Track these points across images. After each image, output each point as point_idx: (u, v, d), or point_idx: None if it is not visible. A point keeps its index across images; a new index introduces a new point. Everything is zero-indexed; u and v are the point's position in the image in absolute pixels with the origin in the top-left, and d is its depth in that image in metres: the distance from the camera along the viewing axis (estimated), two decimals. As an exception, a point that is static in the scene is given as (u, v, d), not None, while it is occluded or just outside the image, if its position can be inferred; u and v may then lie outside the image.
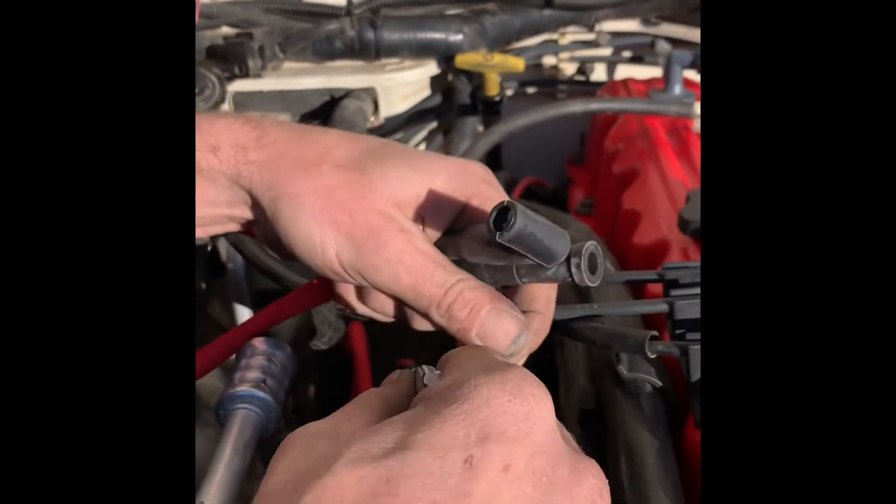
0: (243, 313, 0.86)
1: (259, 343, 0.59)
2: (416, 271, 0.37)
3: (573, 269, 0.34)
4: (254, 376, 0.56)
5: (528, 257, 0.34)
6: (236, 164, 0.39)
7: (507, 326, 0.37)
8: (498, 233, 0.32)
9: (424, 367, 0.32)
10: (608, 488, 0.28)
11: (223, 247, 0.97)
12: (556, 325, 0.52)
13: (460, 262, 0.40)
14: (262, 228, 0.41)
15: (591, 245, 0.34)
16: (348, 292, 0.43)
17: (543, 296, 0.41)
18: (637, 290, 0.62)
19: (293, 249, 0.39)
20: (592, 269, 0.34)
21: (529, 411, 0.26)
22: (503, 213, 0.32)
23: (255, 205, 0.40)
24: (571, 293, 0.68)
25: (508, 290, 0.41)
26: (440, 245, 0.40)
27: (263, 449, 0.64)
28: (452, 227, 0.40)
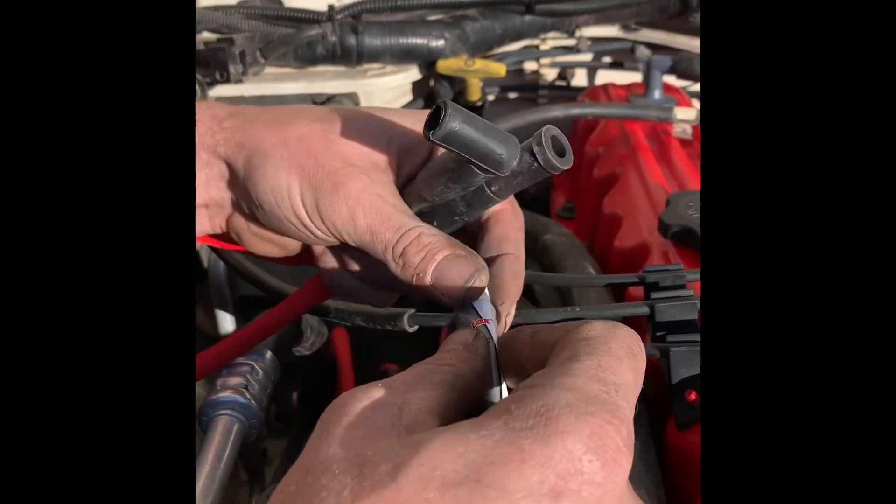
0: (226, 319, 0.86)
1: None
2: (373, 213, 0.36)
3: (537, 153, 0.30)
4: (236, 382, 0.56)
5: (474, 163, 0.31)
6: (213, 134, 0.39)
7: (464, 271, 0.35)
8: (430, 132, 0.30)
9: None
10: None
11: (204, 253, 0.96)
12: (539, 329, 0.53)
13: (425, 213, 0.39)
14: (238, 198, 0.40)
15: (549, 128, 0.31)
16: (325, 258, 0.42)
17: (512, 238, 0.40)
18: (618, 293, 0.62)
19: (262, 203, 0.38)
20: (560, 152, 0.31)
21: (608, 476, 0.24)
22: (436, 112, 0.30)
23: (232, 173, 0.39)
24: (554, 297, 0.68)
25: (480, 234, 0.40)
26: (406, 194, 0.39)
27: (245, 455, 0.64)
28: None
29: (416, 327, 0.57)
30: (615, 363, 0.28)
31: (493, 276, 0.37)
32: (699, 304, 0.49)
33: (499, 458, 0.23)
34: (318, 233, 0.38)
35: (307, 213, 0.38)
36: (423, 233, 0.36)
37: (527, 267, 0.58)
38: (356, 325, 0.63)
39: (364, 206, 0.36)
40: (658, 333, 0.49)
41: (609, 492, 0.24)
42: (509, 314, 0.38)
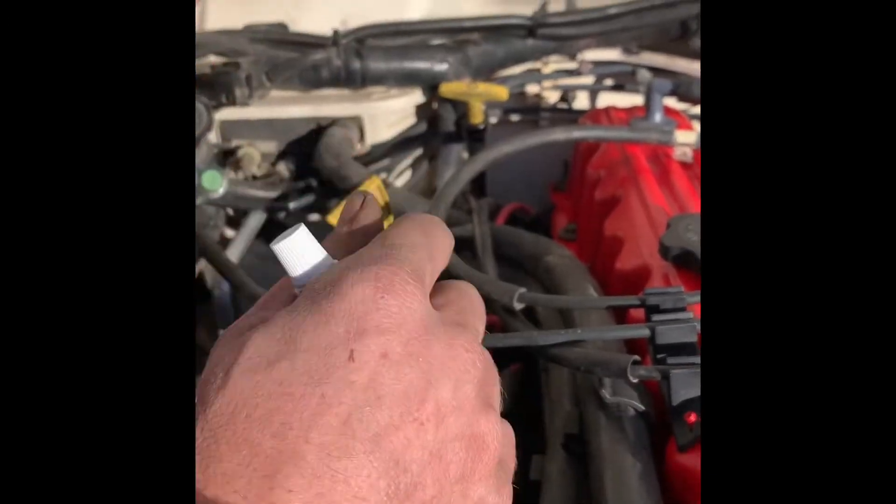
0: (229, 340, 0.86)
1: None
2: None
3: None
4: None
5: None
6: None
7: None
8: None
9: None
10: (485, 357, 0.32)
11: (209, 273, 0.97)
12: (541, 351, 0.53)
13: None
14: None
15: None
16: None
17: None
18: (620, 315, 0.63)
19: None
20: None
21: (401, 304, 0.29)
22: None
23: None
24: (555, 318, 0.68)
25: None
26: None
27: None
28: None
29: None
30: (399, 230, 0.33)
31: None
32: (699, 327, 0.50)
33: (307, 326, 0.28)
34: None
35: None
36: None
37: (528, 288, 0.59)
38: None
39: None
40: (659, 355, 0.50)
41: (407, 317, 0.29)
42: None
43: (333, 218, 0.75)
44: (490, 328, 0.86)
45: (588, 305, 0.62)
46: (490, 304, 0.64)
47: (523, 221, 1.08)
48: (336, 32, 0.99)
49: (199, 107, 0.90)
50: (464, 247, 0.84)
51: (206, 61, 1.00)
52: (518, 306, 0.59)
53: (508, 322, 0.61)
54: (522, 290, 0.59)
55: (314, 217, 1.15)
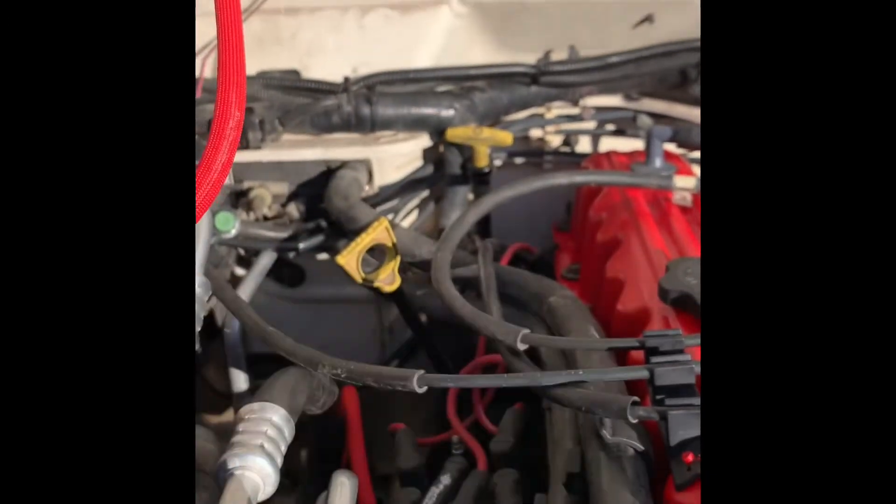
0: (239, 377, 0.88)
1: (257, 407, 0.61)
2: None
3: None
4: (252, 440, 0.58)
5: None
6: None
7: None
8: None
9: None
10: None
11: (219, 311, 0.99)
12: (545, 391, 0.55)
13: None
14: None
15: None
16: None
17: None
18: (620, 357, 0.65)
19: None
20: None
21: None
22: None
23: None
24: (558, 359, 0.70)
25: None
26: None
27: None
28: None
29: (426, 388, 0.59)
30: None
31: None
32: (697, 369, 0.51)
33: None
34: None
35: None
36: None
37: (532, 329, 0.61)
38: (367, 385, 0.65)
39: None
40: (658, 396, 0.52)
41: None
42: None
43: (342, 258, 0.77)
44: (494, 368, 0.87)
45: (590, 347, 0.64)
46: (495, 344, 0.66)
47: (527, 261, 1.10)
48: (347, 79, 1.03)
49: (214, 150, 0.93)
50: (469, 286, 0.86)
51: (221, 106, 1.03)
52: (522, 347, 0.61)
53: (512, 362, 0.63)
54: (526, 331, 0.61)
55: (322, 256, 1.18)
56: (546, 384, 0.54)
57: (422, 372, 0.59)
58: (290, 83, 1.05)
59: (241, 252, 1.09)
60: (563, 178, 0.87)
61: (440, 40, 1.11)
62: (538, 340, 0.62)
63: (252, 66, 1.11)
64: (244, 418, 0.60)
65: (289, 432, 0.61)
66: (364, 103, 1.03)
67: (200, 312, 0.69)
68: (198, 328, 0.69)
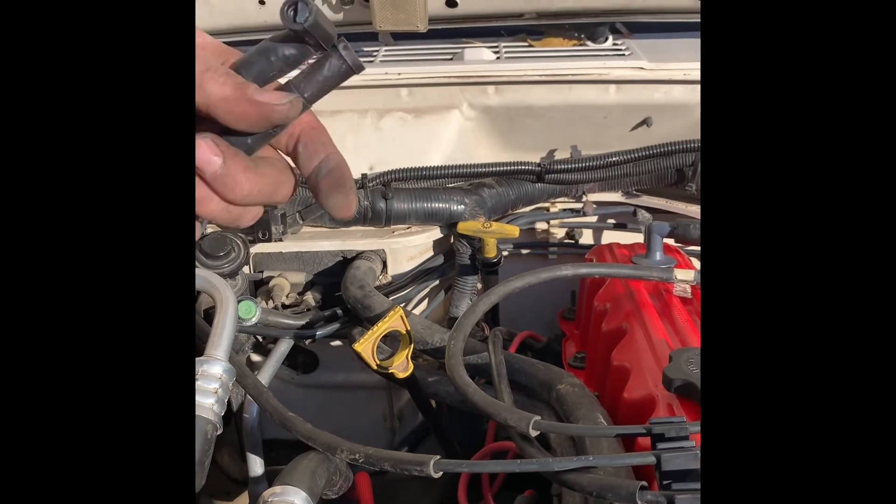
0: (256, 462, 0.90)
1: (279, 490, 0.63)
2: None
3: (346, 56, 0.40)
4: (276, 523, 0.60)
5: (318, 46, 0.39)
6: None
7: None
8: (296, 20, 0.37)
9: None
10: None
11: (235, 398, 1.02)
12: (556, 476, 0.58)
13: None
14: None
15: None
16: None
17: (328, 141, 0.45)
18: (628, 443, 0.67)
19: None
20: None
21: None
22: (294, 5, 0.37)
23: None
24: (568, 445, 0.73)
25: (299, 145, 0.45)
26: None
27: None
28: None
29: (441, 473, 0.62)
30: None
31: (333, 169, 0.43)
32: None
33: None
34: None
35: None
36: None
37: (541, 414, 0.64)
38: (383, 471, 0.68)
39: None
40: (665, 481, 0.54)
41: None
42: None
43: (359, 346, 0.81)
44: (504, 454, 0.90)
45: (599, 434, 0.67)
46: (507, 430, 0.69)
47: (534, 349, 1.14)
48: (364, 175, 1.10)
49: (237, 242, 0.99)
50: (479, 373, 0.90)
51: (245, 200, 1.10)
52: (534, 433, 0.64)
53: (524, 448, 0.65)
54: (538, 418, 0.64)
55: (335, 343, 1.22)
56: (558, 469, 0.57)
57: (437, 457, 0.62)
58: (310, 179, 1.12)
59: (259, 338, 1.12)
60: (568, 270, 0.92)
61: (451, 140, 1.19)
62: (549, 427, 0.65)
63: (275, 163, 1.18)
64: (267, 500, 0.62)
65: (310, 515, 0.64)
66: (380, 198, 1.10)
67: (225, 396, 0.73)
68: (221, 412, 0.72)
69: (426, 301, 1.20)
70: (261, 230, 1.01)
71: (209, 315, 0.91)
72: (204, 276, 0.83)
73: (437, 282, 1.19)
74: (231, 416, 1.03)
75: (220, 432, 0.72)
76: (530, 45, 1.28)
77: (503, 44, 1.28)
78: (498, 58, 1.22)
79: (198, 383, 0.69)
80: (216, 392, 0.68)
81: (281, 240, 1.03)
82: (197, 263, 0.92)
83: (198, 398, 0.68)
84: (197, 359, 0.71)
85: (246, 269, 1.09)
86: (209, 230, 1.01)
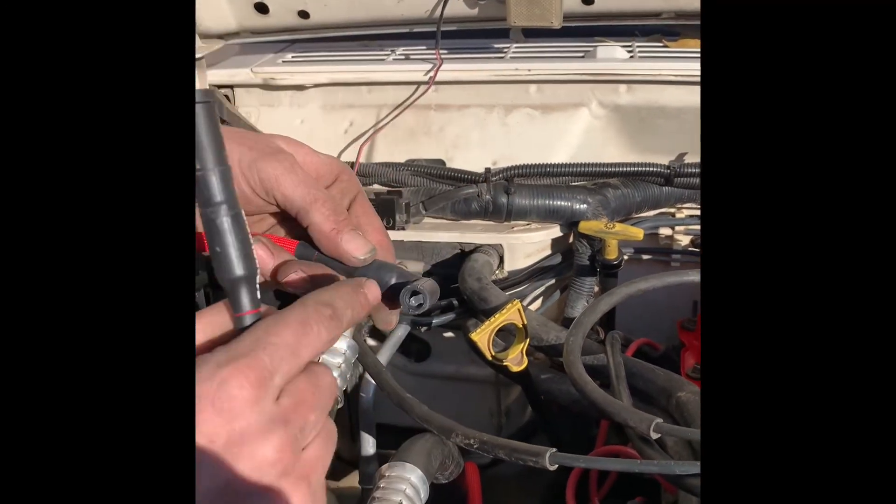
0: (368, 442, 0.92)
1: (397, 465, 0.65)
2: (305, 176, 0.48)
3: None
4: (392, 496, 0.62)
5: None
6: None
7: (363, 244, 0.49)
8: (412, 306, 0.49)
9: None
10: (294, 443, 0.37)
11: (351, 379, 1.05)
12: (677, 480, 0.56)
13: None
14: None
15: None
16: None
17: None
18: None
19: None
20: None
21: (229, 409, 0.35)
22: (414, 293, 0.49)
23: None
24: (686, 451, 0.70)
25: None
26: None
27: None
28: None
29: (556, 466, 0.62)
30: (277, 327, 0.38)
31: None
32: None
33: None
34: (252, 193, 0.48)
35: (241, 170, 0.48)
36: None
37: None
38: (496, 460, 0.68)
39: (297, 170, 0.48)
40: None
41: (231, 422, 0.35)
42: None
43: (476, 336, 0.82)
44: (620, 453, 0.88)
45: (723, 443, 0.64)
46: (625, 430, 0.67)
47: (650, 357, 1.10)
48: (488, 170, 1.11)
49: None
50: (595, 375, 0.88)
51: (372, 188, 1.13)
52: (654, 436, 0.62)
53: (643, 450, 0.64)
54: (659, 420, 0.62)
55: (448, 334, 1.23)
56: (680, 472, 0.55)
57: (554, 450, 0.62)
58: (435, 171, 1.14)
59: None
60: (696, 277, 0.89)
61: (578, 138, 1.17)
62: (670, 430, 0.63)
63: (402, 154, 1.21)
64: (384, 475, 0.64)
65: (424, 494, 0.65)
66: (502, 193, 1.10)
67: (347, 372, 0.75)
68: (342, 386, 0.75)
69: (540, 300, 1.20)
70: (386, 217, 1.03)
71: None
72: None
73: (552, 281, 1.18)
74: (345, 397, 1.07)
75: (340, 406, 0.74)
76: (665, 46, 1.25)
77: (637, 43, 1.25)
78: (631, 56, 1.20)
79: (323, 357, 0.72)
80: (339, 367, 0.71)
81: (404, 228, 1.05)
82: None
83: (323, 370, 0.70)
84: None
85: (369, 255, 1.12)
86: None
